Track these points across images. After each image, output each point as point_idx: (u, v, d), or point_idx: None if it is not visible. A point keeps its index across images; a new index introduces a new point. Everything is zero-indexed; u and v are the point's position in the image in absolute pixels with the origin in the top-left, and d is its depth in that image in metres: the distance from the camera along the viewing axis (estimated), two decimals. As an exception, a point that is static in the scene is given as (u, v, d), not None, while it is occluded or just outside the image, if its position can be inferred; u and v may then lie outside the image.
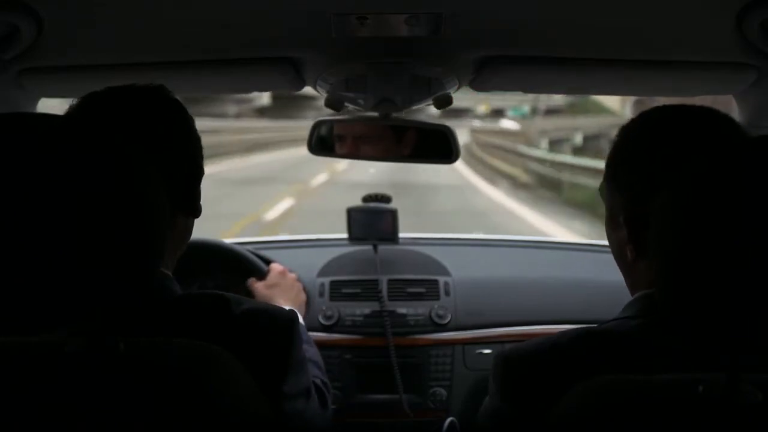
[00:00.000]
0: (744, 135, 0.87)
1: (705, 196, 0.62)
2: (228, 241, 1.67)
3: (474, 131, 28.70)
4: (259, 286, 1.46)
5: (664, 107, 0.87)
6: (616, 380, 0.70)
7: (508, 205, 10.78)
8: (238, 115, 29.37)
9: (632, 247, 0.84)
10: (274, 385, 0.84)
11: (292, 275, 1.53)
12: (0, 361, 0.68)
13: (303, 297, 1.53)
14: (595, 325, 0.82)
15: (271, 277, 1.49)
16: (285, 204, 9.80)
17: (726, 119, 0.86)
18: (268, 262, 1.58)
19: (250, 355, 0.78)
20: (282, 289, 1.46)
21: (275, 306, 0.92)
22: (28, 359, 0.68)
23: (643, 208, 0.79)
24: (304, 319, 1.37)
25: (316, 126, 1.38)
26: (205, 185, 0.96)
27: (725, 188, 0.61)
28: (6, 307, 0.60)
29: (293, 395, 0.87)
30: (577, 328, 0.82)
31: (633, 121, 0.89)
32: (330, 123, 1.39)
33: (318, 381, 1.02)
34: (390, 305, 1.62)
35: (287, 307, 0.93)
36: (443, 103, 1.23)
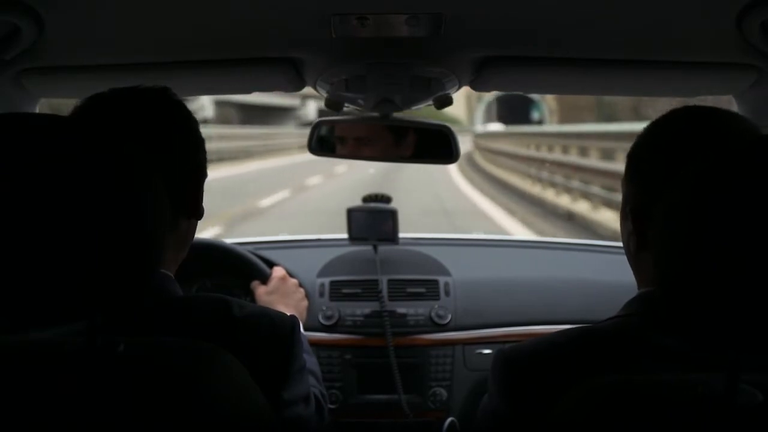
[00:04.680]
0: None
1: (706, 194, 0.62)
2: (228, 241, 1.67)
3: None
4: (260, 292, 1.45)
5: (693, 107, 0.86)
6: (615, 381, 0.70)
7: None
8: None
9: (636, 238, 0.85)
10: (275, 391, 0.83)
11: (294, 281, 1.52)
12: (0, 361, 0.68)
13: (305, 304, 1.52)
14: (594, 324, 0.82)
15: (273, 283, 1.48)
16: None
17: (745, 122, 0.85)
18: (269, 263, 1.58)
19: (250, 360, 0.77)
20: (283, 295, 1.46)
21: (277, 311, 0.92)
22: (28, 359, 0.68)
23: (649, 200, 0.80)
24: (304, 324, 1.37)
25: (317, 126, 1.38)
26: None
27: (726, 186, 0.61)
28: (6, 307, 0.60)
29: (293, 401, 0.87)
30: (575, 327, 0.82)
31: (660, 118, 0.88)
32: (330, 123, 1.38)
33: (316, 391, 1.01)
34: (390, 305, 1.62)
35: (289, 313, 0.92)
36: (443, 103, 1.22)
